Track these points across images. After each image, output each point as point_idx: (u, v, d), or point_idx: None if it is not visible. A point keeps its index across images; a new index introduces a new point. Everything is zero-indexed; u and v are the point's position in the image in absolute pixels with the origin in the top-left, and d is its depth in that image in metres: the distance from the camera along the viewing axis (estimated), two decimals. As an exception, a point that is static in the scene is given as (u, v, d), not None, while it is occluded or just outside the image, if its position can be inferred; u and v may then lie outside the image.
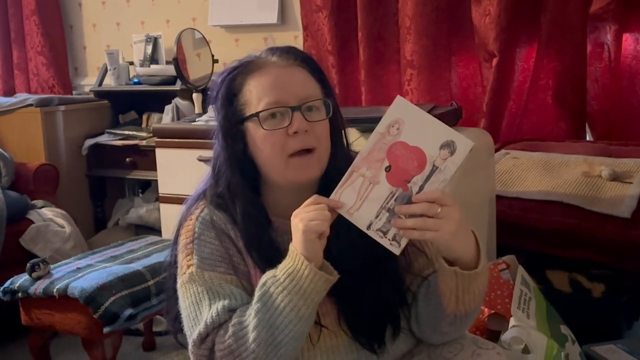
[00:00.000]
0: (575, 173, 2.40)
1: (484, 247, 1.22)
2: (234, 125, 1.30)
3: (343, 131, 1.37)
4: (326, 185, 1.27)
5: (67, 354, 2.67)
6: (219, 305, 1.21)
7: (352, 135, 2.12)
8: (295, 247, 1.17)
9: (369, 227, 1.19)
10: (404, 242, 1.18)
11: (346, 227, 1.21)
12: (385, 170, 1.19)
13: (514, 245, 2.25)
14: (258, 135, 1.27)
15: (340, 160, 1.31)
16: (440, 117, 2.10)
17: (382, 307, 1.29)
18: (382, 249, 1.19)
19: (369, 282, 1.27)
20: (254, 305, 1.18)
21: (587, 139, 2.82)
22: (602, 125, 2.79)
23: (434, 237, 1.15)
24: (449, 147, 1.18)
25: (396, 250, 1.18)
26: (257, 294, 1.19)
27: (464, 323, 1.27)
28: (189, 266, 1.27)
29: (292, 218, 1.19)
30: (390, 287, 1.29)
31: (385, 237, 1.18)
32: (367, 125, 2.20)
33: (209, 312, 1.21)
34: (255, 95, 1.27)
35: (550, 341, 1.76)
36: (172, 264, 1.34)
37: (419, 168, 1.18)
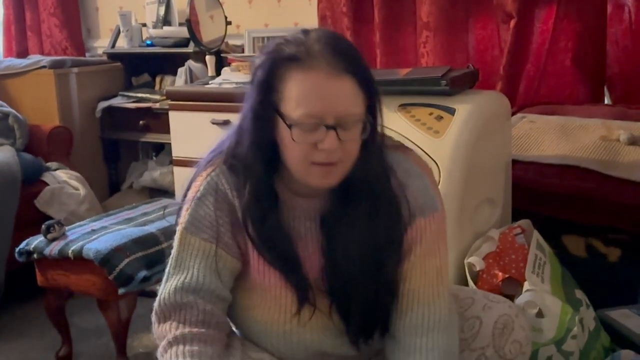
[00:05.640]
0: (593, 137, 2.37)
1: None
2: (266, 112, 1.25)
3: (381, 137, 1.31)
4: (344, 187, 1.27)
5: (82, 315, 2.70)
6: (173, 283, 1.27)
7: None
8: None
9: None
10: None
11: (349, 230, 1.23)
12: None
13: (530, 209, 2.23)
14: (286, 136, 1.23)
15: (365, 171, 1.27)
16: (456, 79, 2.08)
17: (376, 312, 1.31)
18: (382, 256, 1.24)
19: (366, 287, 1.29)
20: None
21: (606, 102, 2.78)
22: (621, 89, 2.74)
23: None
24: None
25: None
26: None
27: None
28: (181, 222, 1.32)
29: None
30: (385, 293, 1.31)
31: None
32: (382, 88, 2.18)
33: (164, 287, 1.29)
34: (294, 98, 1.20)
35: (564, 305, 1.75)
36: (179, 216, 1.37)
37: None
